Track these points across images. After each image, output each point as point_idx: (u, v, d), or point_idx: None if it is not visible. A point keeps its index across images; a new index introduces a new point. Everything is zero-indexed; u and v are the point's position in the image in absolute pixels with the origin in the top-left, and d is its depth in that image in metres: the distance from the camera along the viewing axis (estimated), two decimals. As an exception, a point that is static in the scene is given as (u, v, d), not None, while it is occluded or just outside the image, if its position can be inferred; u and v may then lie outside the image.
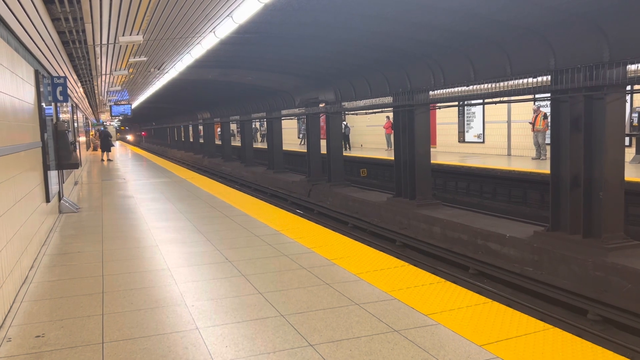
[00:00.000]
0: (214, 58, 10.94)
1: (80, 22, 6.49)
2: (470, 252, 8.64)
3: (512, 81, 8.18)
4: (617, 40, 6.55)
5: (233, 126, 34.17)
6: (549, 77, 7.49)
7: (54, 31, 6.69)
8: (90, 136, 33.09)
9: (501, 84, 8.36)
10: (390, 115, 17.16)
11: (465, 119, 18.94)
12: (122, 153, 32.60)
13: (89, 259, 5.77)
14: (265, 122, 24.60)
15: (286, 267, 5.22)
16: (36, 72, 7.09)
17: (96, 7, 5.87)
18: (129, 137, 79.84)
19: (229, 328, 3.67)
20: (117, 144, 47.40)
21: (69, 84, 10.09)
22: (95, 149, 25.98)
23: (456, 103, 14.50)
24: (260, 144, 32.56)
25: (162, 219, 8.19)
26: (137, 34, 7.66)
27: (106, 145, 23.59)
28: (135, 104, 26.05)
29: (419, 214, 10.22)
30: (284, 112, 18.72)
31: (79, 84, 13.78)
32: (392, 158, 11.86)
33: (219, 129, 34.12)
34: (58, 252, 6.18)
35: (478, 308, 3.95)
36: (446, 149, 19.72)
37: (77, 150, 12.98)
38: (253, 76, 15.18)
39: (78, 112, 19.10)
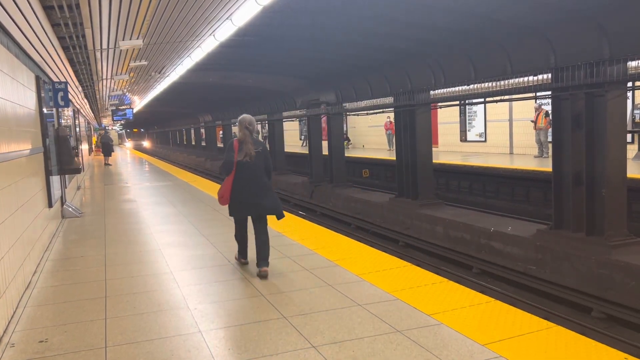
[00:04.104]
0: (215, 61, 10.95)
1: (80, 27, 6.50)
2: (473, 252, 8.62)
3: (512, 80, 8.17)
4: (617, 37, 6.53)
5: (235, 129, 34.19)
6: (550, 75, 7.48)
7: (54, 37, 6.71)
8: (93, 142, 33.34)
9: (502, 82, 8.35)
10: (391, 115, 17.17)
11: (467, 118, 18.92)
12: (123, 157, 32.65)
13: (91, 263, 5.78)
14: (266, 124, 24.62)
15: (289, 268, 5.22)
16: (37, 78, 7.11)
17: (96, 12, 5.88)
18: (145, 144, 59.33)
19: (232, 330, 3.67)
20: (127, 152, 46.44)
21: (70, 89, 10.11)
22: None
23: (457, 102, 14.46)
24: (262, 146, 32.52)
25: (164, 223, 8.20)
26: (137, 38, 7.67)
27: (107, 150, 24.12)
28: (136, 108, 26.11)
29: (422, 214, 10.20)
30: (285, 114, 18.73)
31: (80, 89, 13.81)
32: (394, 158, 11.85)
33: (221, 132, 34.17)
34: (61, 257, 6.19)
35: (481, 307, 3.94)
36: (448, 149, 19.69)
37: (80, 155, 13.01)
38: (254, 78, 15.20)
39: (80, 116, 19.15)
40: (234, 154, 5.00)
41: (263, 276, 4.90)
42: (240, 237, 5.36)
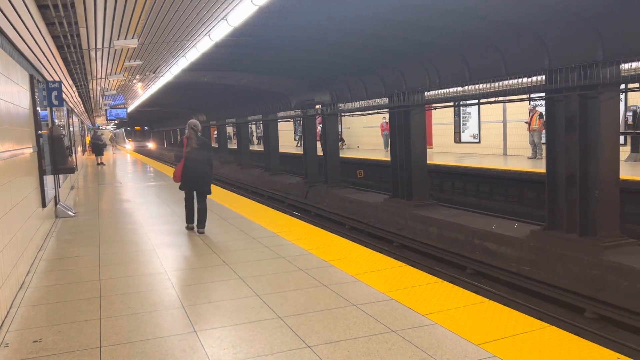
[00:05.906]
0: (210, 61, 10.94)
1: (75, 27, 6.48)
2: (467, 252, 8.65)
3: (507, 81, 8.21)
4: (611, 40, 6.58)
5: (229, 129, 34.14)
6: (544, 77, 7.52)
7: (48, 36, 6.68)
8: (87, 142, 33.26)
9: (496, 84, 8.39)
10: (386, 116, 17.17)
11: (461, 119, 18.97)
12: (117, 157, 32.53)
13: (85, 263, 5.76)
14: (261, 125, 24.62)
15: (283, 269, 5.22)
16: (31, 77, 7.07)
17: (90, 11, 5.87)
18: (150, 145, 49.88)
19: (227, 330, 3.67)
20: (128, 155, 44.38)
21: (64, 89, 10.06)
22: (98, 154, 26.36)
23: (452, 103, 14.50)
24: (257, 147, 32.55)
25: (159, 223, 8.18)
26: (132, 38, 7.65)
27: (98, 149, 24.08)
28: (130, 108, 26.02)
29: (416, 214, 10.23)
30: (280, 114, 18.72)
31: (74, 88, 13.75)
32: (388, 159, 11.87)
33: (215, 132, 34.12)
34: (55, 257, 6.16)
35: (475, 307, 3.96)
36: (442, 150, 19.74)
37: (73, 155, 12.95)
38: (249, 78, 15.19)
39: (74, 116, 19.07)
40: (184, 147, 7.14)
41: (201, 233, 7.02)
42: (188, 207, 7.26)
